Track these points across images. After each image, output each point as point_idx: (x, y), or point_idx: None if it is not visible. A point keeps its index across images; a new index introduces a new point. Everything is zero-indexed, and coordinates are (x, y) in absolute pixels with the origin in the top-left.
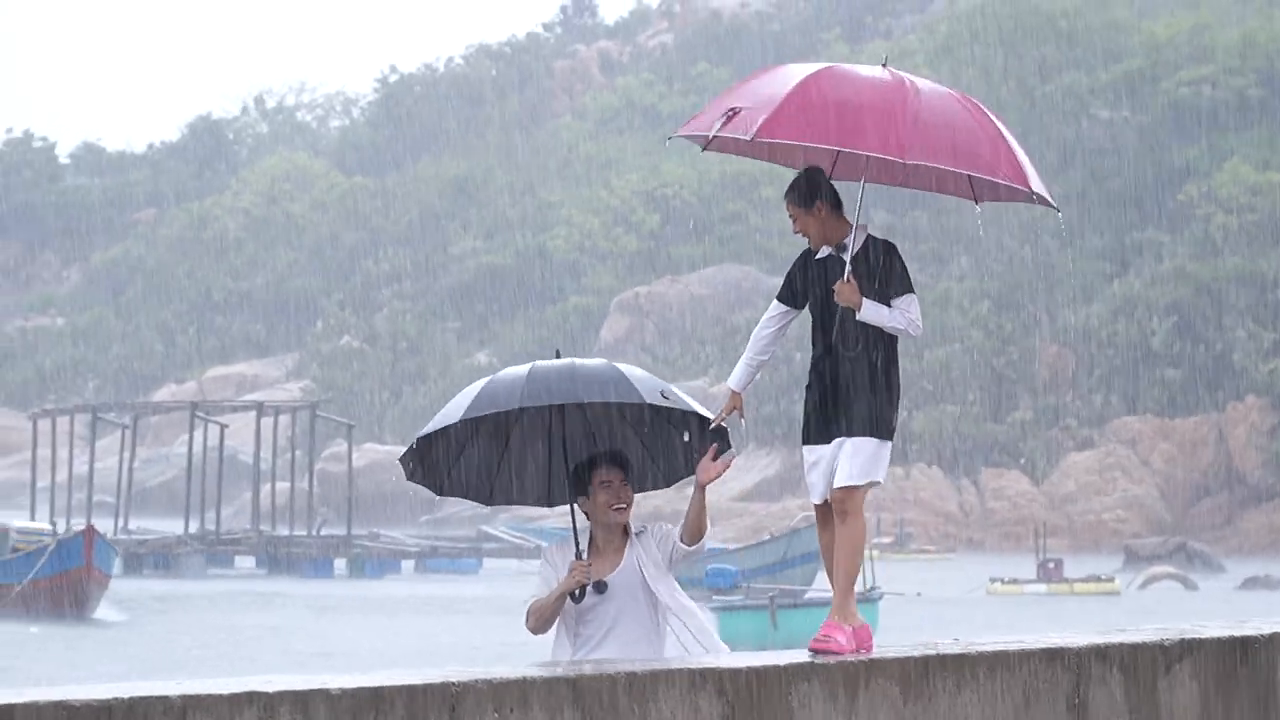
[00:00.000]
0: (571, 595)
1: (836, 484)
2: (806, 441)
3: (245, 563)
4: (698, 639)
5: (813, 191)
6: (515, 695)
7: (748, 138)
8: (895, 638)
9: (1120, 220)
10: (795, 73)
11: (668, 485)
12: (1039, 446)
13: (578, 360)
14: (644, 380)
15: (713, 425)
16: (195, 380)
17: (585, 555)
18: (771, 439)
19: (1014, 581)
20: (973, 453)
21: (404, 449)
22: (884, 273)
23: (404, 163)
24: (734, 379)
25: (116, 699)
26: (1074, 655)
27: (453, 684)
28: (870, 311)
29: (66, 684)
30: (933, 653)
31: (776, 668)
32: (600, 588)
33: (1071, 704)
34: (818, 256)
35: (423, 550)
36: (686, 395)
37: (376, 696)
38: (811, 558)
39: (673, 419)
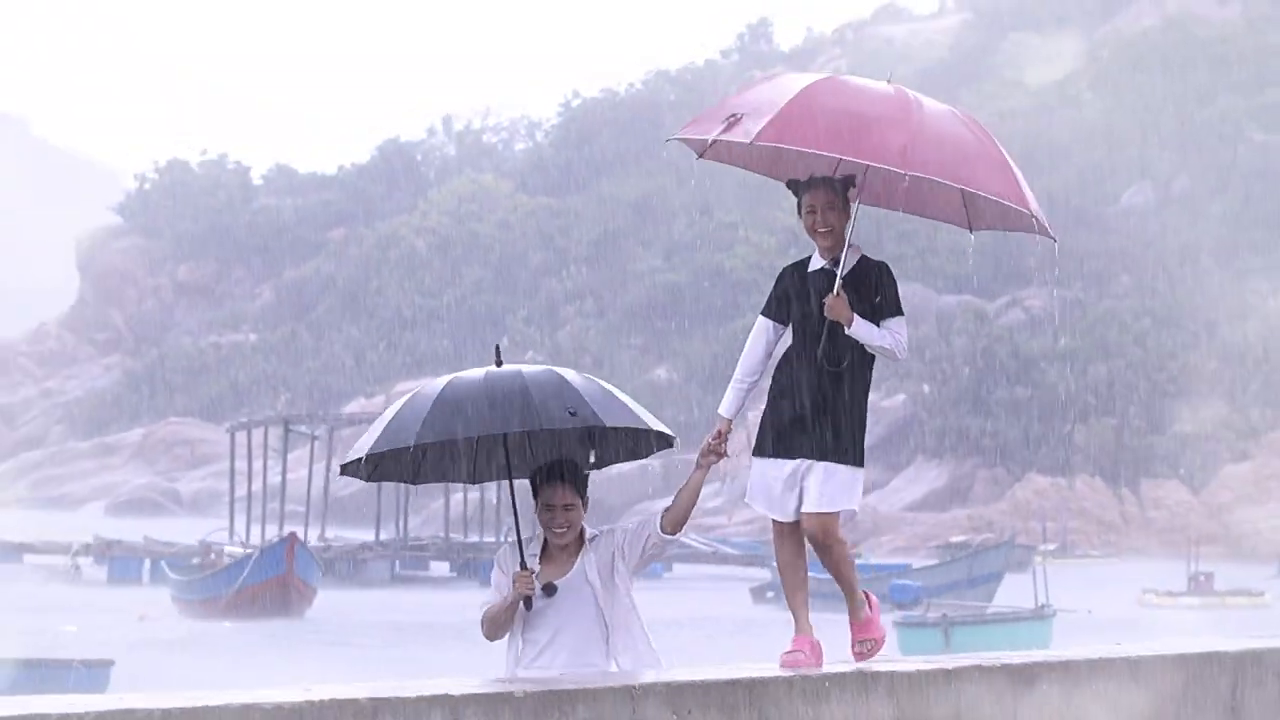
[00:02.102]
0: (524, 602)
1: (807, 508)
2: (763, 454)
3: (439, 568)
4: (623, 657)
5: (848, 190)
6: (695, 696)
7: (748, 141)
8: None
9: (1276, 240)
10: (797, 81)
11: (634, 459)
12: (1197, 458)
13: (526, 370)
14: (593, 393)
15: (701, 452)
16: (384, 394)
17: (538, 558)
18: (940, 450)
19: (1167, 594)
20: (1134, 463)
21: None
22: (876, 293)
23: (586, 184)
24: (725, 405)
25: (308, 702)
26: (1230, 659)
27: (634, 686)
28: (861, 329)
29: (262, 688)
30: (1095, 656)
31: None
32: (550, 590)
33: (1228, 706)
34: (811, 269)
35: None
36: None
37: (558, 698)
38: (995, 577)
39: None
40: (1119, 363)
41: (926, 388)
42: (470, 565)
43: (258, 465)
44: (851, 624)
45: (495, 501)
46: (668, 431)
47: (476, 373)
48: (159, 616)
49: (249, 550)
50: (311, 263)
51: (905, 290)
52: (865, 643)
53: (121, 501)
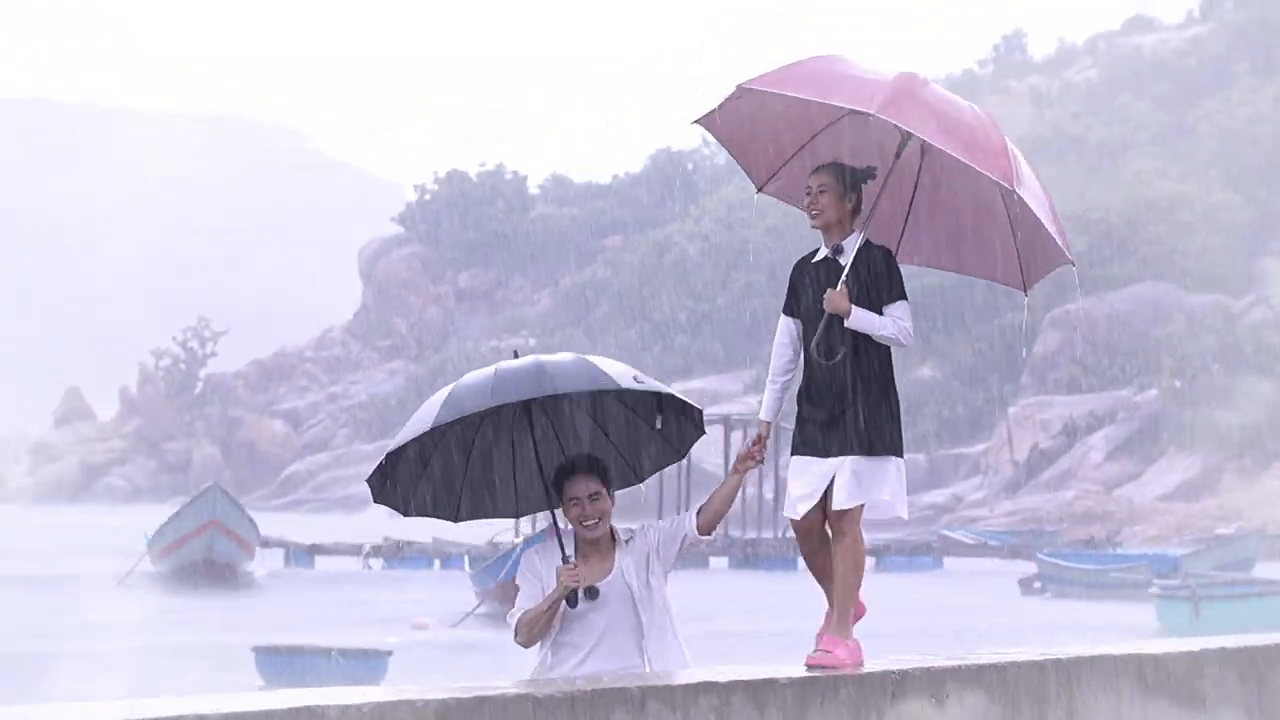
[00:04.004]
0: (567, 600)
1: (836, 507)
2: (795, 452)
3: (718, 563)
4: (657, 660)
5: (856, 180)
6: (897, 682)
7: (732, 93)
8: None
9: None
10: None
11: (639, 481)
12: None
13: (544, 356)
14: (616, 369)
15: (739, 457)
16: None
17: (573, 559)
18: (1192, 442)
19: None
20: None
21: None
22: (878, 278)
23: None
24: (765, 409)
25: (580, 691)
26: None
27: (893, 672)
28: (860, 319)
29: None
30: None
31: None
32: (592, 594)
33: None
34: (814, 260)
35: (875, 548)
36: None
37: (825, 685)
38: (1246, 564)
39: (642, 409)
40: None
41: (1178, 383)
42: (749, 560)
43: None
44: (825, 630)
45: (772, 496)
46: (693, 404)
47: (519, 360)
48: (437, 626)
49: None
50: (587, 269)
51: (1154, 290)
52: (827, 654)
53: None
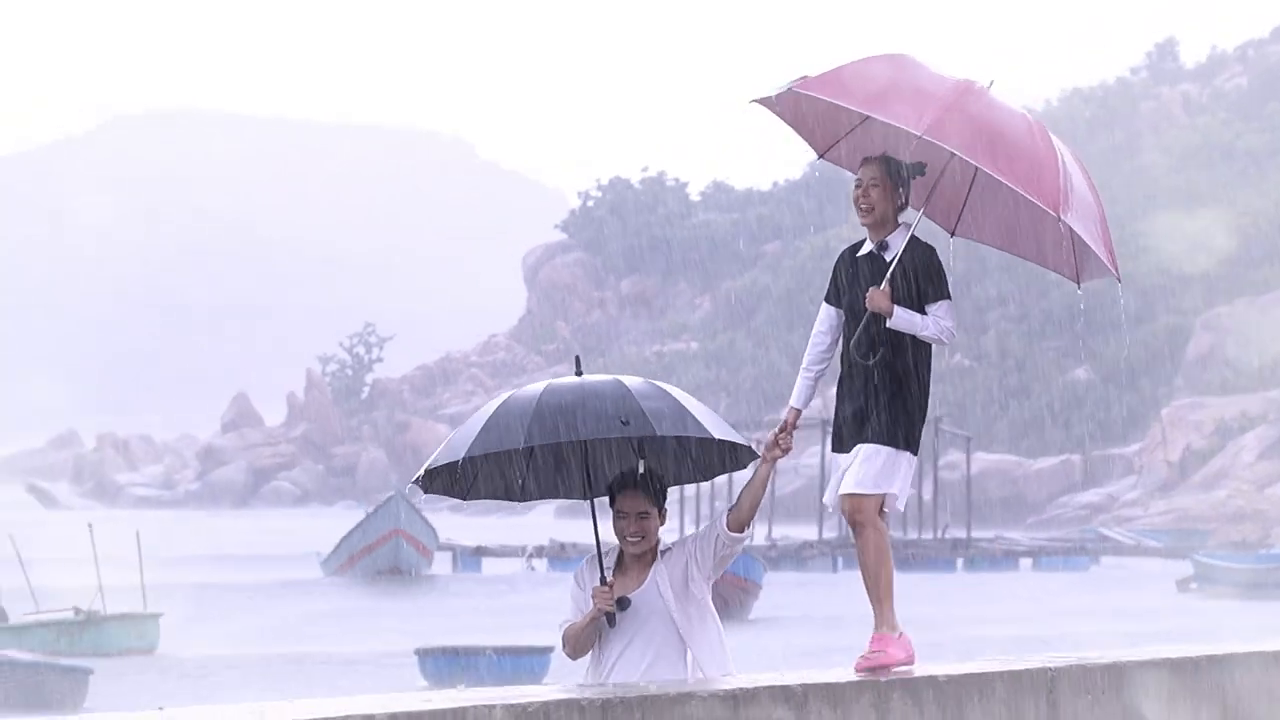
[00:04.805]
0: (608, 618)
1: (843, 490)
2: (835, 449)
3: None
4: (707, 666)
5: (905, 176)
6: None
7: (785, 90)
8: None
9: None
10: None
11: (705, 479)
12: None
13: (589, 380)
14: (654, 402)
15: (766, 445)
16: (821, 397)
17: (612, 573)
18: None
19: None
20: None
21: (1013, 458)
22: (922, 277)
23: None
24: (796, 396)
25: (740, 689)
26: None
27: (1049, 669)
28: (902, 319)
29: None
30: None
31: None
32: (623, 604)
33: None
34: (859, 254)
35: (1031, 549)
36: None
37: (979, 680)
38: None
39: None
40: None
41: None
42: (910, 561)
43: None
44: (875, 634)
45: (931, 498)
46: (741, 441)
47: (536, 386)
48: None
49: None
50: (749, 274)
51: None
52: (875, 654)
53: (571, 504)
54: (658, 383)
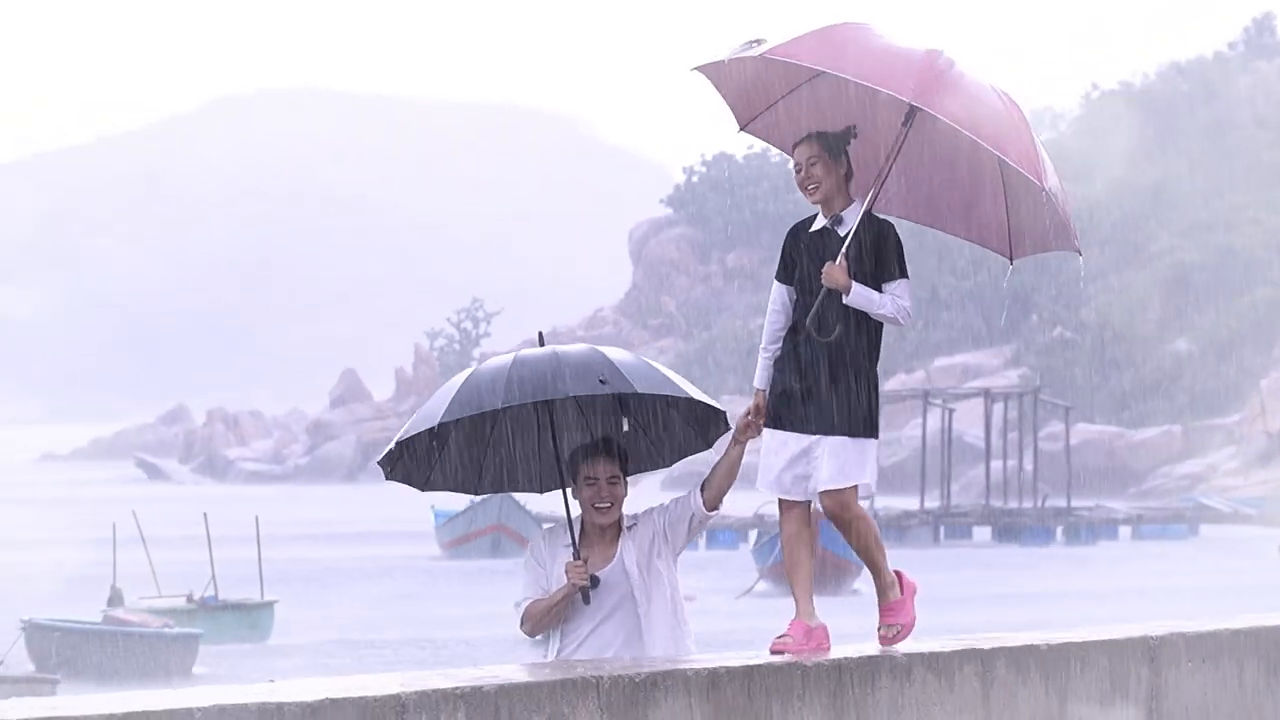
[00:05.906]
0: (581, 594)
1: (820, 488)
2: (770, 425)
3: (980, 533)
4: (662, 644)
5: (841, 144)
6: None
7: (755, 55)
8: None
9: None
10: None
11: (669, 464)
12: None
13: (560, 348)
14: (630, 364)
15: (737, 427)
16: (924, 369)
17: (582, 554)
18: None
19: None
20: None
21: (1114, 429)
22: (878, 254)
23: (1105, 170)
24: (759, 377)
25: (852, 659)
26: None
27: (1150, 637)
28: (859, 296)
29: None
30: None
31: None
32: (593, 582)
33: None
34: (811, 229)
35: (1130, 517)
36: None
37: (1080, 650)
38: None
39: (669, 398)
40: None
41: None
42: (1010, 531)
43: None
44: (879, 606)
45: (1033, 468)
46: (719, 406)
47: (504, 356)
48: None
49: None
50: None
51: None
52: (892, 627)
53: (678, 474)
54: (639, 356)
